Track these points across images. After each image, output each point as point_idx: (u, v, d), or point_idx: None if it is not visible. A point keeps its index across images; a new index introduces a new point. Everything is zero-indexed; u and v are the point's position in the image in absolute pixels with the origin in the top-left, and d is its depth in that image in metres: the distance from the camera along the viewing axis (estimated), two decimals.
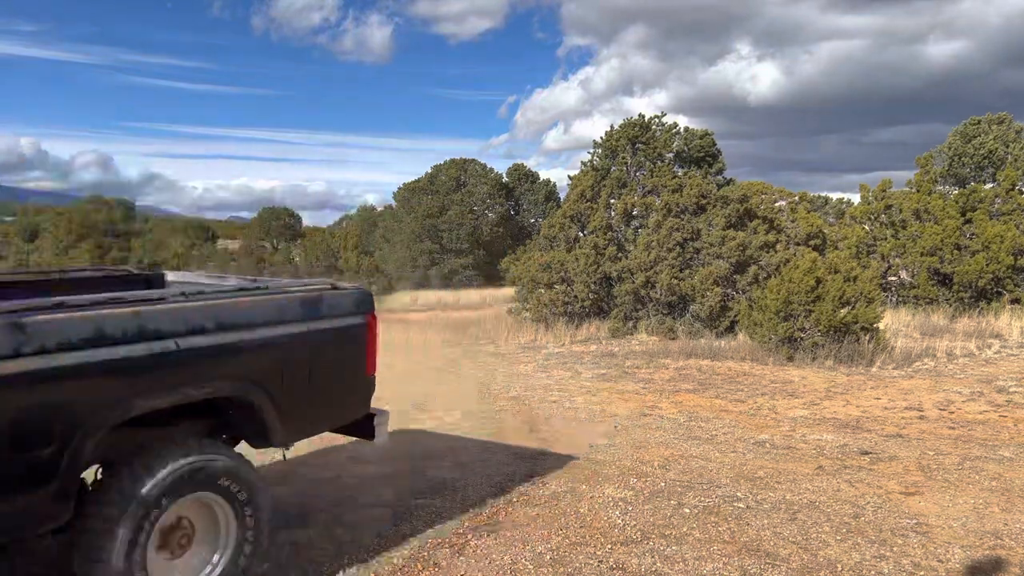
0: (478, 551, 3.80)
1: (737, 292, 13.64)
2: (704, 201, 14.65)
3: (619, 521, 4.21)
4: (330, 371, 3.64)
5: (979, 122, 30.20)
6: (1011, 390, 8.17)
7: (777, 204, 19.80)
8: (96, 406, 2.62)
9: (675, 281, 13.58)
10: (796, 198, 24.59)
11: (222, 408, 3.19)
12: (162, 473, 2.76)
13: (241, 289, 3.49)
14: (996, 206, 16.55)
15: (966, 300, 15.09)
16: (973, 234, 15.53)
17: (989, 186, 20.01)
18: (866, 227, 17.54)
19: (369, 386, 4.16)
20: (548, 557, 3.72)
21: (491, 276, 35.84)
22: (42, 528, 2.65)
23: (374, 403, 4.17)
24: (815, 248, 16.15)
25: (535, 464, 5.38)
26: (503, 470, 5.21)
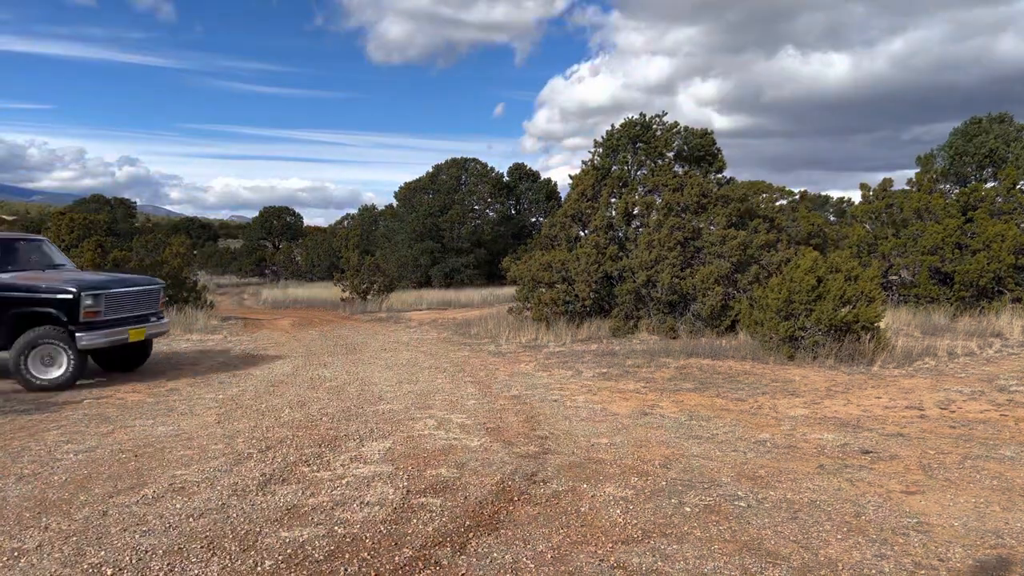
0: (479, 550, 3.81)
1: (738, 291, 13.63)
2: (705, 200, 14.65)
3: (620, 520, 4.22)
4: None
5: (980, 121, 30.19)
6: (1012, 389, 8.17)
7: (778, 203, 19.79)
8: None
9: (676, 280, 13.58)
10: (797, 196, 24.56)
11: None
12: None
13: None
14: (997, 205, 16.54)
15: (967, 299, 15.08)
16: (974, 233, 15.52)
17: (990, 185, 20.00)
18: (867, 226, 17.53)
19: None
20: (549, 556, 3.73)
21: (492, 275, 35.86)
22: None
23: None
24: (816, 247, 16.14)
25: (536, 463, 5.39)
26: (504, 469, 5.22)
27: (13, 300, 8.72)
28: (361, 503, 4.49)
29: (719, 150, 16.95)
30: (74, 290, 8.65)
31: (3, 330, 8.65)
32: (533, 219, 42.52)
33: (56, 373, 8.55)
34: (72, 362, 8.59)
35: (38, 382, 8.46)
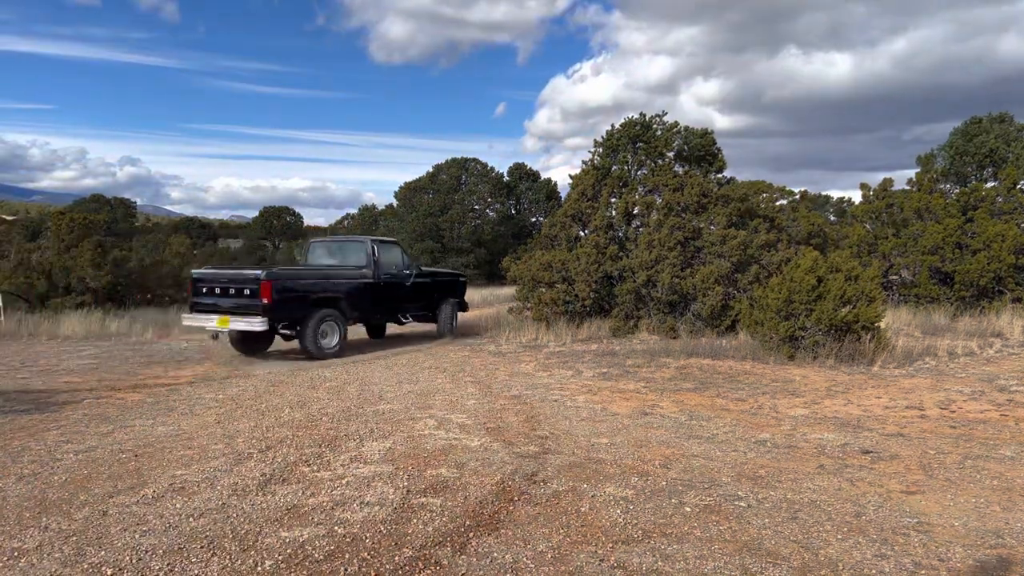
0: (479, 550, 3.81)
1: (738, 291, 13.63)
2: (705, 200, 14.64)
3: (620, 520, 4.22)
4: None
5: (980, 121, 30.19)
6: (1012, 389, 8.16)
7: (778, 203, 19.78)
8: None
9: (676, 280, 13.58)
10: (797, 196, 24.53)
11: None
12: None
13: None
14: (997, 205, 16.53)
15: (967, 299, 15.07)
16: (974, 233, 15.51)
17: (990, 184, 20.00)
18: (867, 226, 17.53)
19: None
20: (549, 556, 3.73)
21: (492, 275, 35.87)
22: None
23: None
24: (816, 247, 16.13)
25: (536, 463, 5.39)
26: (504, 469, 5.22)
27: (437, 284, 14.20)
28: (361, 503, 4.49)
29: (719, 150, 16.96)
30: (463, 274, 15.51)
31: (428, 302, 13.90)
32: (533, 219, 42.55)
33: (455, 325, 14.53)
34: (457, 319, 14.61)
35: (453, 332, 14.33)
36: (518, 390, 8.53)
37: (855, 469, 5.28)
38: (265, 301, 10.55)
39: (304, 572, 3.54)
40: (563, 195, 34.11)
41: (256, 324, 10.57)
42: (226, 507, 4.41)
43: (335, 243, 14.00)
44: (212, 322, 10.99)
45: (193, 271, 12.03)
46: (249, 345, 11.93)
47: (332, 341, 11.55)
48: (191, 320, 11.51)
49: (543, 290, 14.95)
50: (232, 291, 11.03)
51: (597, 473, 5.13)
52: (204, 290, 11.39)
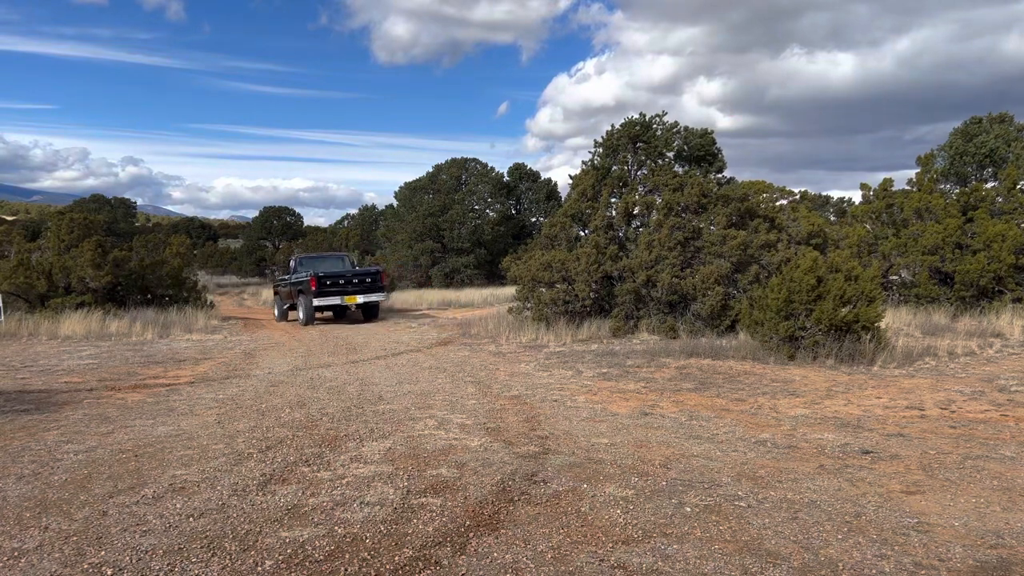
0: (479, 550, 3.80)
1: (738, 291, 13.63)
2: (705, 200, 14.64)
3: (620, 520, 4.22)
4: None
5: (980, 121, 30.18)
6: (1012, 389, 8.16)
7: (778, 203, 19.78)
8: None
9: (676, 280, 13.58)
10: (797, 196, 24.53)
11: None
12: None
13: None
14: (998, 205, 16.53)
15: (967, 299, 15.07)
16: (974, 233, 15.51)
17: (991, 185, 20.00)
18: (867, 226, 17.53)
19: None
20: (549, 556, 3.73)
21: (492, 275, 35.87)
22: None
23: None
24: (816, 247, 16.12)
25: (536, 463, 5.39)
26: (504, 469, 5.22)
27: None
28: (361, 503, 4.49)
29: (719, 150, 16.99)
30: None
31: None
32: (533, 219, 42.51)
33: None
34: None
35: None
36: (518, 390, 8.53)
37: (855, 469, 5.28)
38: (384, 283, 18.45)
39: (304, 572, 3.54)
40: (563, 195, 34.12)
41: (383, 296, 18.52)
42: (226, 507, 4.41)
43: (327, 256, 21.41)
44: (338, 300, 17.41)
45: (318, 271, 17.62)
46: (336, 314, 19.63)
47: None
48: (321, 301, 17.25)
49: (543, 290, 14.95)
50: (356, 280, 17.83)
51: (597, 473, 5.13)
52: (328, 283, 17.40)
